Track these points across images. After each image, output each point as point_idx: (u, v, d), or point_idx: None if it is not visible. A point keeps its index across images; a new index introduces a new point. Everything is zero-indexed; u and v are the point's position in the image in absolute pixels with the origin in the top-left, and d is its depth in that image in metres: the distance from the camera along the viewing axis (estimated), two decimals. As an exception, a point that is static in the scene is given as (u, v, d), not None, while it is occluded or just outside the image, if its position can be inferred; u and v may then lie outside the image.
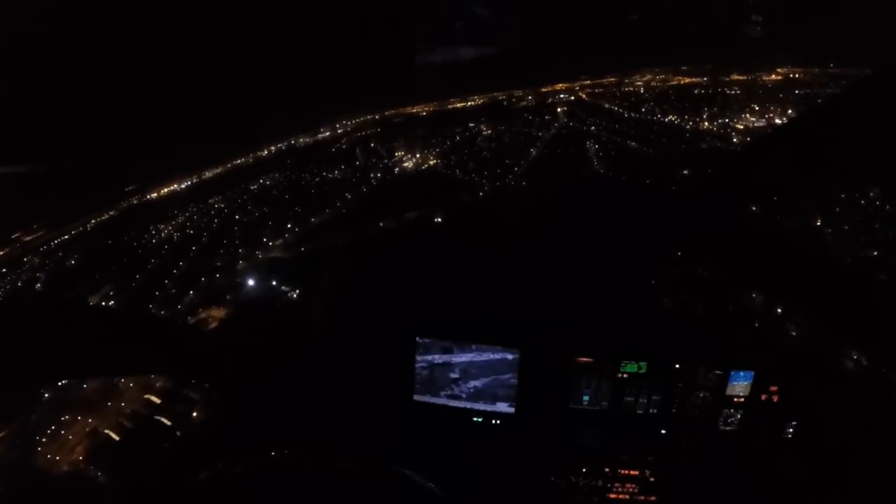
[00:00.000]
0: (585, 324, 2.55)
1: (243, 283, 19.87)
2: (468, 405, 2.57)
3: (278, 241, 22.87)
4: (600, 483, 2.58)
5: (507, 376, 2.51)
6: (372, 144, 28.55)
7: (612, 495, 2.59)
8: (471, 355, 2.51)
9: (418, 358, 2.54)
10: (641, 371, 2.47)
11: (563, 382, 2.51)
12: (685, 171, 21.15)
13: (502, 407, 2.56)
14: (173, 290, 20.67)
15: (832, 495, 2.46)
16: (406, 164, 27.43)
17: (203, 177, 27.19)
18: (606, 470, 2.58)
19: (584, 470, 2.58)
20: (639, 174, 22.39)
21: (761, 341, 2.55)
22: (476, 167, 26.41)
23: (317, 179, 27.12)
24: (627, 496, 2.58)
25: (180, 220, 24.77)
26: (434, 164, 27.34)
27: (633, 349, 2.47)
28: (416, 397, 2.59)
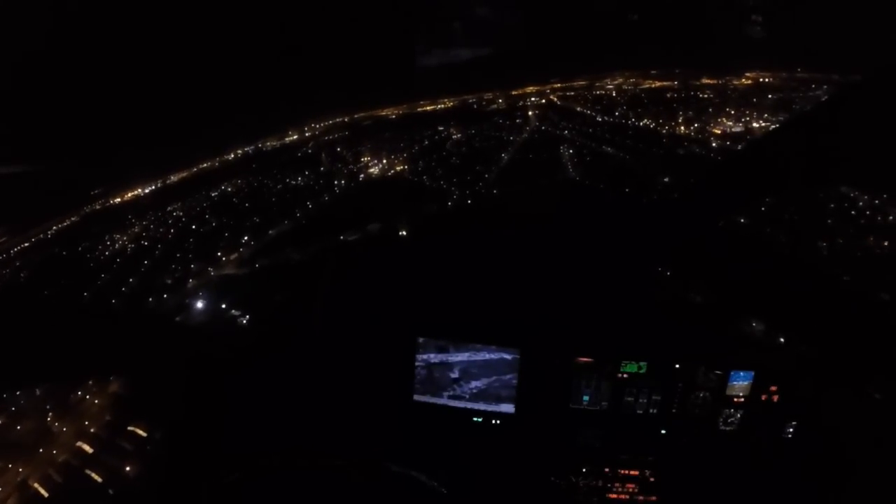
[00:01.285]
0: (585, 324, 2.55)
1: (191, 306, 18.08)
2: (468, 405, 2.58)
3: (233, 256, 21.43)
4: (600, 483, 2.59)
5: (507, 376, 2.52)
6: (338, 149, 27.45)
7: (612, 495, 2.59)
8: (471, 355, 2.51)
9: (418, 358, 2.54)
10: (641, 371, 2.47)
11: (563, 382, 2.51)
12: (665, 179, 20.60)
13: (502, 407, 2.56)
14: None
15: (832, 495, 2.46)
16: (372, 170, 26.24)
17: (168, 181, 26.11)
18: (606, 470, 2.58)
19: (584, 470, 2.58)
20: (616, 182, 21.71)
21: (761, 341, 2.54)
22: (445, 173, 25.21)
23: (279, 186, 25.87)
24: (627, 496, 2.59)
25: (136, 229, 23.49)
26: (401, 169, 26.23)
27: (633, 349, 2.47)
28: (416, 397, 2.59)
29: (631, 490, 2.58)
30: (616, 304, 2.62)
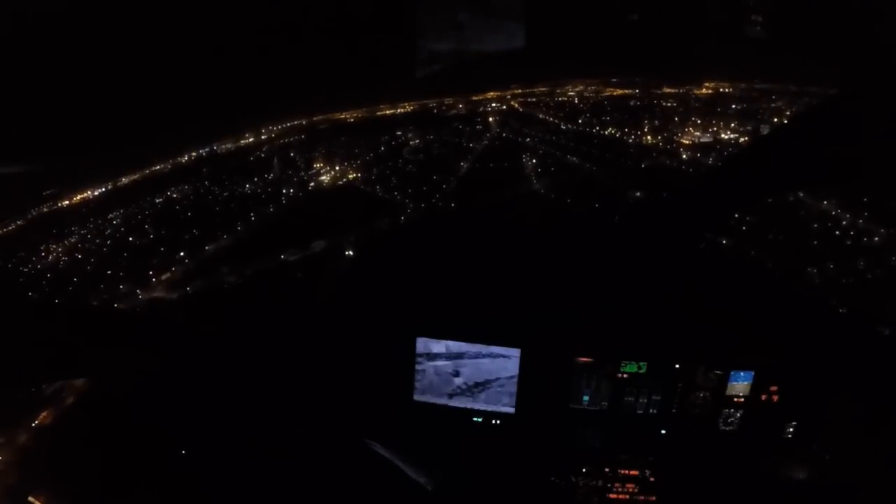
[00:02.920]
0: (585, 324, 2.55)
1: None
2: (468, 405, 2.57)
3: (165, 276, 19.55)
4: (600, 483, 2.59)
5: (507, 376, 2.51)
6: (291, 153, 25.48)
7: (612, 495, 2.59)
8: (471, 355, 2.51)
9: (418, 358, 2.54)
10: (641, 371, 2.47)
11: (563, 382, 2.51)
12: (637, 193, 19.50)
13: (502, 407, 2.56)
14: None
15: (832, 495, 2.46)
16: (322, 178, 24.22)
17: (118, 183, 23.94)
18: (606, 470, 2.58)
19: (584, 470, 2.58)
20: (584, 195, 20.36)
21: (761, 341, 2.54)
22: (400, 183, 23.28)
23: (225, 194, 23.73)
24: (627, 496, 2.59)
25: (74, 238, 21.24)
26: (353, 178, 24.19)
27: (633, 349, 2.47)
28: (416, 397, 2.59)
29: (631, 490, 2.58)
30: (616, 304, 2.62)
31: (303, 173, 24.10)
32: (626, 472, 2.57)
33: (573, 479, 2.58)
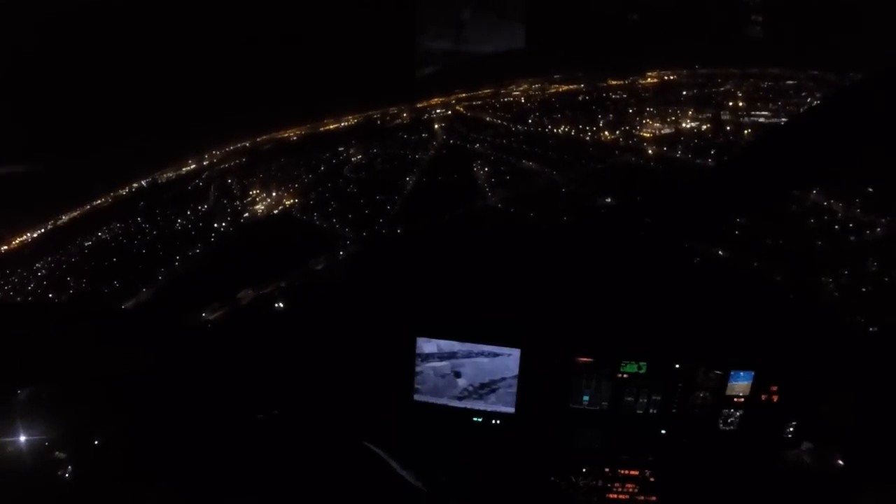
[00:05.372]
0: (585, 324, 2.55)
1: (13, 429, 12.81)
2: (468, 405, 2.57)
3: None
4: (600, 483, 2.58)
5: (507, 376, 2.51)
6: (229, 180, 22.46)
7: (612, 495, 2.59)
8: (471, 355, 2.51)
9: (418, 358, 2.54)
10: (641, 371, 2.47)
11: (563, 382, 2.51)
12: (608, 200, 17.10)
13: (502, 407, 2.56)
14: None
15: (832, 495, 2.46)
16: (258, 207, 21.34)
17: (58, 222, 21.55)
18: (606, 470, 2.58)
19: (584, 470, 2.58)
20: (547, 207, 17.45)
21: (761, 341, 2.54)
22: (339, 207, 20.52)
23: (154, 232, 21.08)
24: (627, 496, 2.58)
25: None
26: (290, 204, 21.39)
27: (633, 349, 2.47)
28: (416, 397, 2.59)
29: (631, 490, 2.58)
30: (616, 304, 2.62)
31: (237, 203, 21.52)
32: (626, 472, 2.57)
33: (573, 479, 2.58)
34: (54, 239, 21.25)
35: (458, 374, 2.54)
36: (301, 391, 2.60)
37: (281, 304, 15.41)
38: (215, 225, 21.03)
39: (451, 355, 2.52)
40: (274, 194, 22.07)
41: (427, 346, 2.52)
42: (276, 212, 21.49)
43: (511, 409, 2.55)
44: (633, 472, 2.57)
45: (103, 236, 21.60)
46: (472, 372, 2.53)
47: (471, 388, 2.55)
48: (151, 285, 18.74)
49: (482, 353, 2.49)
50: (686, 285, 2.69)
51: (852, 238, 14.55)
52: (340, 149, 24.36)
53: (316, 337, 2.74)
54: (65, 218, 21.92)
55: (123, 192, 22.99)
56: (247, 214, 21.54)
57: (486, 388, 2.54)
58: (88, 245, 21.16)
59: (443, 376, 2.55)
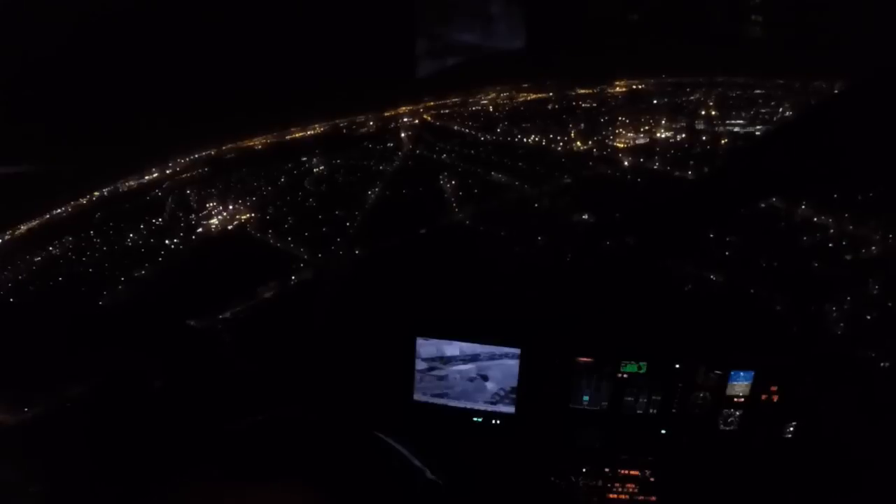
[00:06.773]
0: (585, 324, 2.55)
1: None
2: (468, 405, 2.57)
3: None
4: (600, 483, 2.58)
5: (507, 376, 2.51)
6: (188, 191, 23.06)
7: (612, 495, 2.58)
8: (471, 355, 2.51)
9: (419, 358, 2.54)
10: (641, 371, 2.47)
11: (563, 382, 2.51)
12: (584, 216, 17.51)
13: (502, 407, 2.56)
14: None
15: (832, 495, 2.46)
16: (212, 222, 22.22)
17: (17, 231, 21.88)
18: (606, 470, 2.58)
19: (584, 470, 2.58)
20: (518, 224, 18.26)
21: (761, 341, 2.54)
22: (297, 224, 21.15)
23: (104, 248, 21.43)
24: (627, 496, 2.58)
25: None
26: (246, 219, 22.08)
27: (633, 349, 2.47)
28: (416, 397, 2.59)
29: (631, 490, 2.58)
30: (616, 304, 2.62)
31: (192, 216, 20.57)
32: (626, 472, 2.57)
33: (573, 479, 2.58)
34: (6, 254, 20.60)
35: (457, 374, 2.53)
36: (301, 391, 2.60)
37: (229, 338, 14.28)
38: (167, 241, 20.19)
39: (475, 357, 2.51)
40: (231, 208, 21.71)
41: (427, 346, 2.52)
42: (230, 227, 20.77)
43: (511, 409, 2.55)
44: (633, 472, 2.57)
45: (54, 250, 20.96)
46: (472, 372, 2.52)
47: (470, 388, 2.54)
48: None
49: (482, 353, 2.49)
50: (686, 286, 2.69)
51: (848, 257, 14.09)
52: (303, 159, 24.29)
53: (315, 337, 2.74)
54: (24, 228, 21.44)
55: (83, 201, 22.74)
56: (200, 229, 21.09)
57: (485, 388, 2.53)
58: (38, 260, 20.34)
59: (471, 380, 2.53)
